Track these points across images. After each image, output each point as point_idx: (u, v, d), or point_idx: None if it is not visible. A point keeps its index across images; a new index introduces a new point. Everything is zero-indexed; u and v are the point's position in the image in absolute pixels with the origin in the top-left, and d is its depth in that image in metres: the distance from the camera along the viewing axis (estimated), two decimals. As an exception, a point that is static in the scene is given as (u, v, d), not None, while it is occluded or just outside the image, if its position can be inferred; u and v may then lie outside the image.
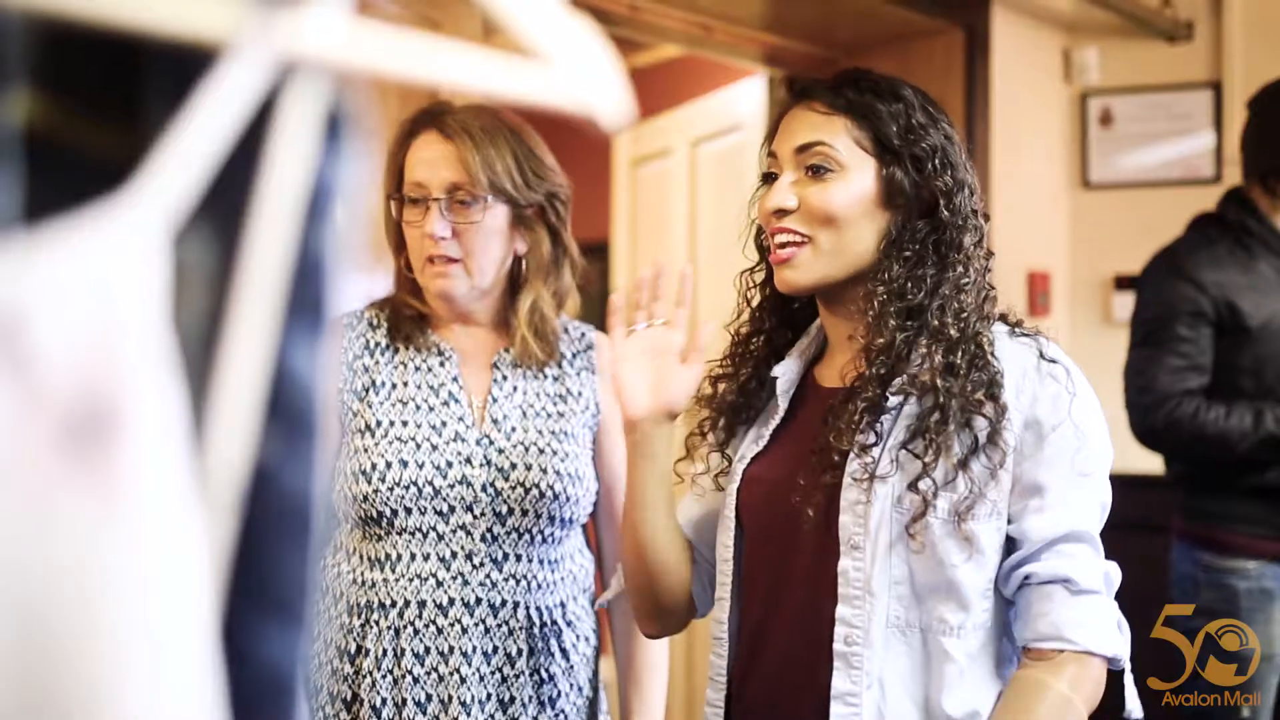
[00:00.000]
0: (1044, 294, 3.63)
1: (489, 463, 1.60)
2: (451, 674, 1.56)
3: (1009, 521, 1.30)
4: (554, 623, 1.64)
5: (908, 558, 1.28)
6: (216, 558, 0.39)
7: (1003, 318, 1.39)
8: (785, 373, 1.43)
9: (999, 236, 3.40)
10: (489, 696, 1.58)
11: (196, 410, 0.39)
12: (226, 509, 0.40)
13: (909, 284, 1.31)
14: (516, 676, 1.59)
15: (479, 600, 1.58)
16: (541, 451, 1.63)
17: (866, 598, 1.28)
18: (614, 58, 0.50)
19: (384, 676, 1.56)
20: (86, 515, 0.35)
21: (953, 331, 1.30)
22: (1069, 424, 1.29)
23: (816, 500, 1.31)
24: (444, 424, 1.61)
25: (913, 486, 1.26)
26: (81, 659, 0.35)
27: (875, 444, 1.30)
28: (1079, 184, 3.73)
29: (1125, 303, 3.64)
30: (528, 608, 1.61)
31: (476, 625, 1.58)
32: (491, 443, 1.62)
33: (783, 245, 1.35)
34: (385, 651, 1.57)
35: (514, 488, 1.60)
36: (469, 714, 1.55)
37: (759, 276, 1.49)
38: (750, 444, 1.44)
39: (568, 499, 1.63)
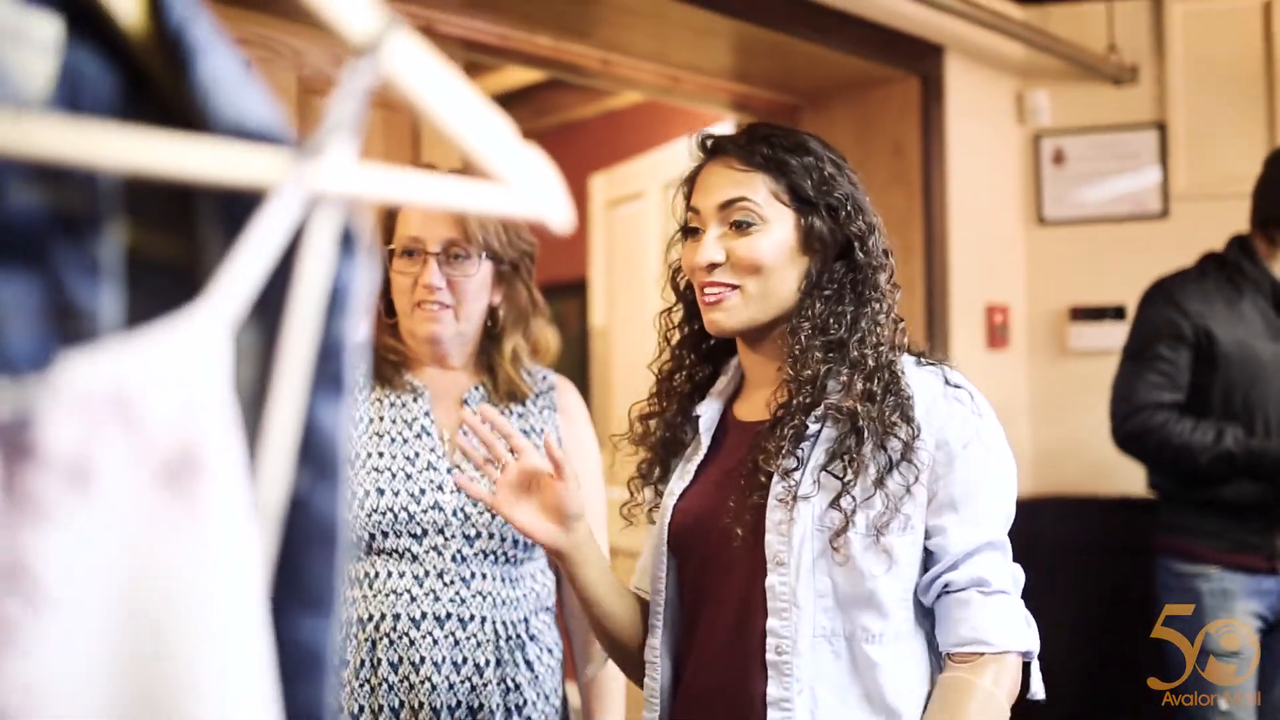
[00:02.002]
0: (1003, 326, 3.79)
1: (459, 490, 1.74)
2: (422, 682, 1.69)
3: (926, 536, 1.40)
4: (519, 636, 1.78)
5: (830, 571, 1.37)
6: (265, 564, 0.53)
7: (908, 349, 1.49)
8: (707, 411, 1.54)
9: (958, 271, 3.58)
10: (458, 704, 1.70)
11: (250, 453, 0.54)
12: (272, 526, 0.54)
13: (831, 320, 1.42)
14: (484, 685, 1.72)
15: (449, 615, 1.72)
16: None
17: (794, 610, 1.37)
18: (552, 173, 0.64)
19: (361, 685, 1.69)
20: (181, 534, 0.49)
21: (870, 361, 1.40)
22: (977, 443, 1.40)
23: (745, 521, 1.41)
24: (417, 455, 1.76)
25: (834, 504, 1.36)
26: (181, 633, 0.49)
27: (797, 468, 1.39)
28: (1034, 220, 3.90)
29: (1081, 333, 3.81)
30: (494, 622, 1.75)
31: (446, 637, 1.71)
32: (462, 471, 1.76)
33: (713, 292, 1.45)
34: (363, 662, 1.70)
35: (482, 513, 1.75)
36: (439, 718, 1.68)
37: (677, 316, 1.60)
38: (677, 480, 1.54)
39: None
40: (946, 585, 1.39)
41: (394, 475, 1.74)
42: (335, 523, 0.55)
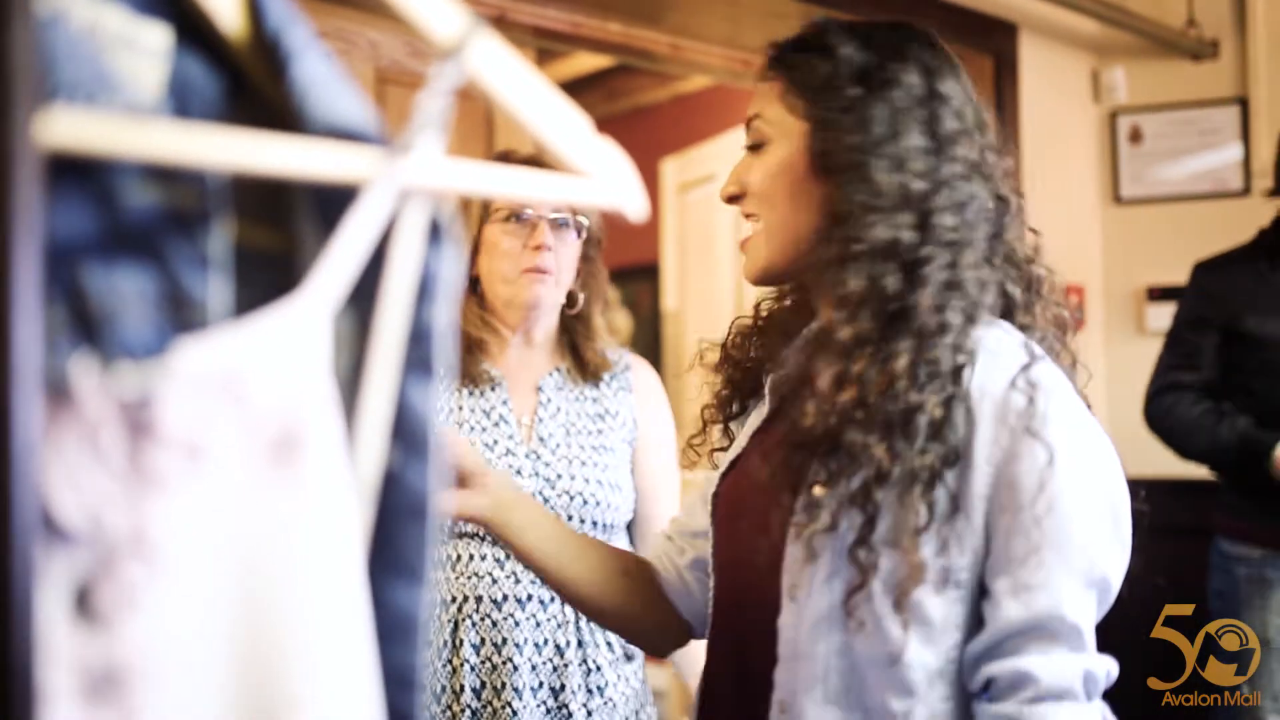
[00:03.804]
0: (1079, 307, 3.76)
1: (537, 474, 1.78)
2: (505, 662, 1.72)
3: (982, 593, 1.06)
4: None
5: (846, 626, 1.06)
6: (363, 534, 0.57)
7: (1023, 328, 1.14)
8: (776, 371, 1.27)
9: (1032, 252, 3.55)
10: (541, 684, 1.73)
11: (348, 431, 0.58)
12: (368, 499, 0.58)
13: (882, 280, 1.06)
14: (566, 665, 1.75)
15: (530, 596, 1.75)
16: (584, 464, 1.81)
17: (796, 661, 1.09)
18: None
19: (444, 665, 1.72)
20: (286, 505, 0.53)
21: (928, 361, 1.05)
22: (1046, 496, 1.02)
23: (768, 536, 1.13)
24: (496, 442, 1.80)
25: (852, 551, 1.05)
26: (286, 597, 0.53)
27: (824, 495, 1.07)
28: (1111, 199, 3.85)
29: (1159, 313, 3.75)
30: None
31: (528, 619, 1.74)
32: (539, 457, 1.80)
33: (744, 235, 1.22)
34: (445, 642, 1.73)
35: (560, 495, 1.78)
36: (520, 699, 1.71)
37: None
38: (739, 441, 1.29)
39: (608, 505, 1.81)
40: (990, 680, 1.04)
41: None
42: (426, 496, 0.59)
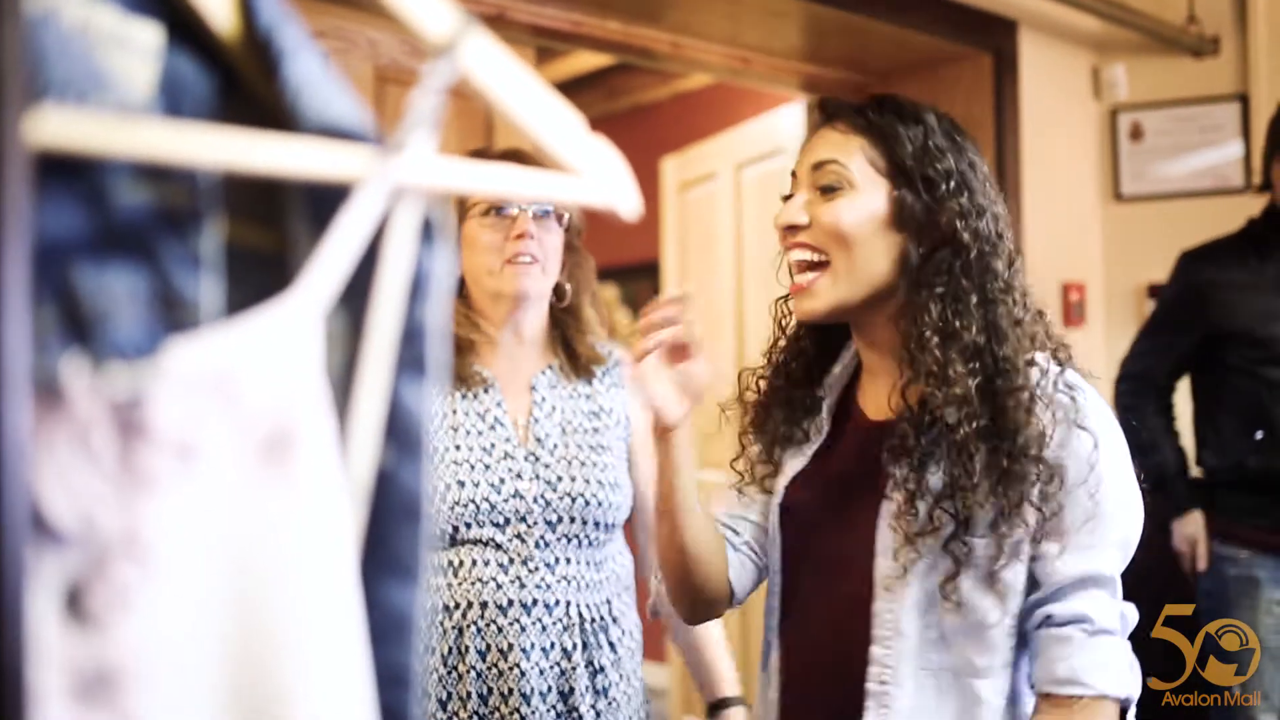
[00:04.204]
0: (1079, 304, 3.75)
1: (538, 477, 1.76)
2: (511, 668, 1.70)
3: (1030, 558, 1.30)
4: (602, 618, 1.80)
5: (940, 605, 1.29)
6: (356, 533, 0.57)
7: (1054, 353, 1.36)
8: (829, 395, 1.46)
9: (1033, 249, 3.55)
10: (549, 689, 1.72)
11: (340, 431, 0.57)
12: (361, 499, 0.58)
13: (956, 321, 1.29)
14: (573, 669, 1.74)
15: (535, 601, 1.73)
16: (583, 464, 1.79)
17: (898, 639, 1.30)
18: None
19: (449, 673, 1.71)
20: (278, 505, 0.53)
21: (1006, 379, 1.28)
22: (1095, 476, 1.28)
23: (857, 536, 1.34)
24: (493, 445, 1.77)
25: (946, 548, 1.28)
26: (279, 598, 0.53)
27: (914, 496, 1.29)
28: (1111, 197, 3.85)
29: (1159, 311, 3.76)
30: (578, 606, 1.77)
31: (534, 623, 1.72)
32: (538, 459, 1.78)
33: (800, 270, 1.36)
34: (450, 649, 1.71)
35: (562, 498, 1.76)
36: (529, 704, 1.70)
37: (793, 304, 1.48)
38: (793, 458, 1.47)
39: (610, 505, 1.79)
40: (1048, 617, 1.29)
41: (473, 467, 1.75)
42: (420, 496, 0.59)
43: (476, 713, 1.70)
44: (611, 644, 1.80)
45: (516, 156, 1.77)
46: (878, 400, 1.41)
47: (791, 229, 1.36)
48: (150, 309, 0.54)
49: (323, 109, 0.61)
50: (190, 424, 0.51)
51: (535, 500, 1.76)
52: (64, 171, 0.53)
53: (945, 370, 1.28)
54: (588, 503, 1.78)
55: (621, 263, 6.04)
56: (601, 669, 1.78)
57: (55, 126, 0.51)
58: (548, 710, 1.72)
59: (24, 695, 0.45)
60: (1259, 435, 2.70)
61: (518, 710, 1.69)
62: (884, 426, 1.37)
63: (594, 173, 0.65)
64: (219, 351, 0.53)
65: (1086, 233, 3.84)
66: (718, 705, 1.90)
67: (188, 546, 0.51)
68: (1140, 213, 3.83)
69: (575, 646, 1.76)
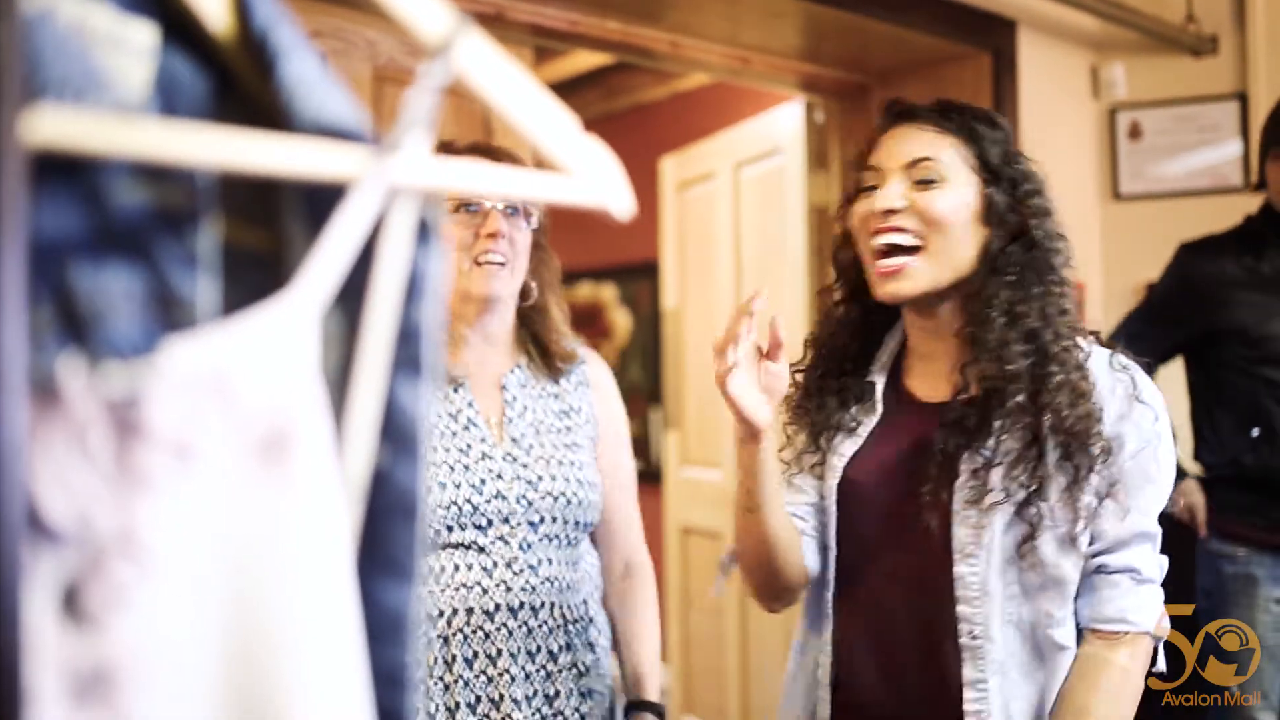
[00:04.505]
0: (1079, 303, 3.75)
1: (518, 477, 1.72)
2: (501, 674, 1.66)
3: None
4: (582, 618, 1.77)
5: (1019, 564, 1.44)
6: (352, 533, 0.57)
7: (1098, 338, 1.53)
8: (879, 379, 1.58)
9: (1031, 249, 3.55)
10: (535, 692, 1.70)
11: (337, 431, 0.58)
12: (357, 498, 0.58)
13: (1020, 307, 1.44)
14: (559, 671, 1.72)
15: (521, 604, 1.69)
16: (560, 463, 1.77)
17: (985, 598, 1.45)
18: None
19: (436, 683, 1.65)
20: (274, 504, 0.53)
21: (1057, 360, 1.43)
22: (1148, 450, 1.46)
23: (927, 506, 1.46)
24: (469, 446, 1.73)
25: (1019, 513, 1.43)
26: (276, 597, 0.53)
27: (986, 465, 1.44)
28: (1110, 196, 3.85)
29: (1158, 309, 3.76)
30: (561, 607, 1.74)
31: (520, 627, 1.69)
32: (515, 459, 1.74)
33: (884, 255, 1.47)
34: (436, 659, 1.66)
35: (544, 497, 1.74)
36: (520, 710, 1.67)
37: (839, 293, 1.63)
38: (845, 440, 1.57)
39: (588, 504, 1.78)
40: (1101, 566, 1.47)
41: (452, 469, 1.71)
42: (415, 495, 0.59)
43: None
44: (591, 644, 1.78)
45: (484, 151, 1.74)
46: (930, 381, 1.56)
47: (890, 213, 1.47)
48: (147, 308, 0.54)
49: (318, 109, 0.61)
50: (187, 424, 0.52)
51: (518, 501, 1.72)
52: (61, 171, 0.53)
53: (1006, 349, 1.43)
54: (569, 502, 1.76)
55: (620, 262, 6.05)
56: (585, 670, 1.76)
57: (52, 126, 0.51)
58: (533, 714, 1.69)
59: (20, 695, 0.45)
60: (1255, 433, 2.70)
61: (509, 716, 1.66)
62: (942, 405, 1.51)
63: (588, 172, 0.65)
64: (216, 351, 0.53)
65: (1085, 231, 3.84)
66: (640, 706, 1.88)
67: (184, 546, 0.52)
68: (1139, 211, 3.83)
69: (560, 649, 1.73)
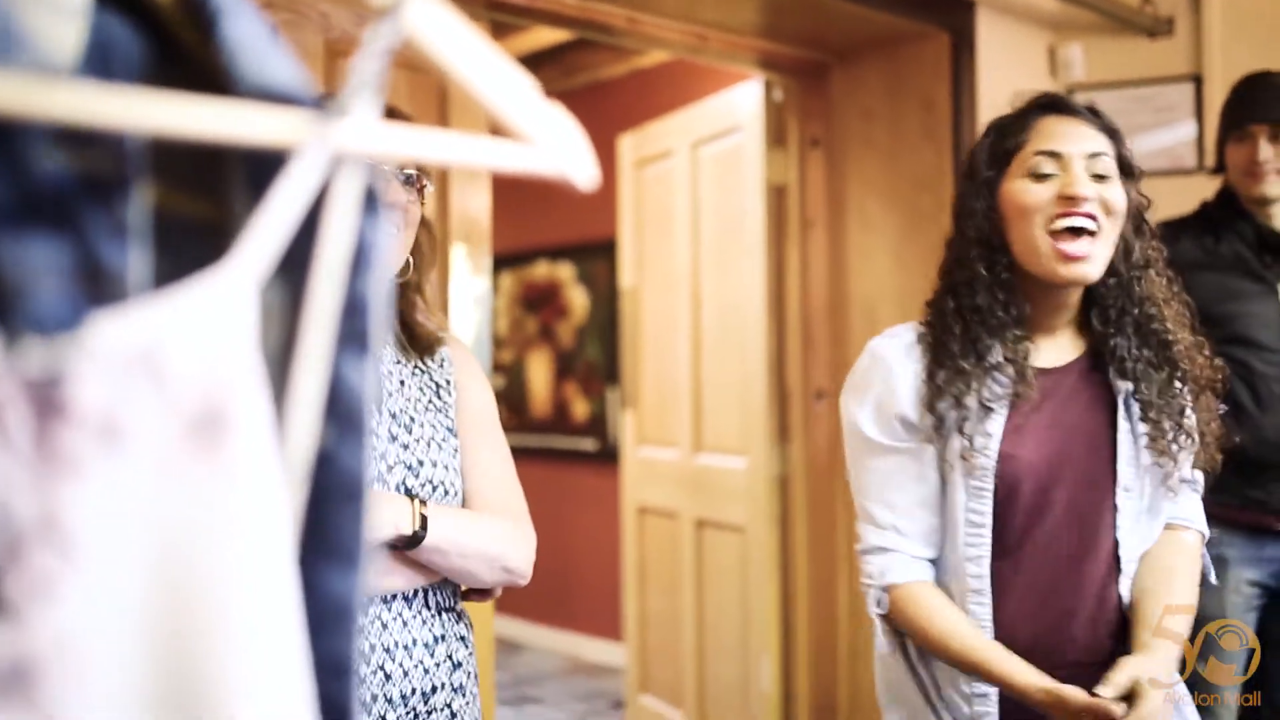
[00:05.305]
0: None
1: (401, 462, 1.58)
2: (376, 671, 1.54)
3: None
4: (455, 609, 1.66)
5: (1149, 494, 1.73)
6: (294, 517, 0.55)
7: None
8: (1008, 356, 1.68)
9: (989, 229, 3.55)
10: (413, 690, 1.57)
11: (277, 410, 0.55)
12: (299, 481, 0.55)
13: (1132, 283, 1.69)
14: (436, 665, 1.61)
15: (395, 595, 1.57)
16: (440, 448, 1.63)
17: (1135, 526, 1.71)
18: (558, 113, 0.65)
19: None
20: (209, 489, 0.50)
21: (1176, 340, 1.71)
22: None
23: (1095, 461, 1.69)
24: None
25: (1156, 443, 1.69)
26: (211, 586, 0.50)
27: (1145, 410, 1.69)
28: (1067, 176, 3.86)
29: (1113, 290, 3.77)
30: (436, 592, 1.62)
31: (395, 619, 1.57)
32: (395, 439, 1.60)
33: (1069, 239, 1.62)
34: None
35: (423, 486, 1.59)
36: (394, 710, 1.55)
37: (979, 265, 1.69)
38: (990, 420, 1.67)
39: (460, 495, 1.64)
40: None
41: None
42: (361, 478, 0.56)
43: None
44: (462, 638, 1.68)
45: (390, 114, 1.55)
46: (1053, 352, 1.72)
47: (1080, 199, 1.62)
48: (72, 281, 0.51)
49: (260, 71, 0.58)
50: (114, 403, 0.49)
51: (396, 489, 1.57)
52: (-22, 134, 0.49)
53: (1121, 323, 1.69)
54: (447, 492, 1.62)
55: (577, 241, 6.01)
56: (457, 665, 1.65)
57: (-33, 85, 0.48)
58: (408, 713, 1.57)
59: (-67, 692, 0.42)
60: (1221, 411, 2.71)
61: (383, 717, 1.54)
62: (1069, 369, 1.72)
63: (548, 140, 0.62)
64: (146, 326, 0.50)
65: (1042, 212, 3.85)
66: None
67: (112, 533, 0.49)
68: (1095, 193, 3.84)
69: (437, 639, 1.62)
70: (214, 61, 0.59)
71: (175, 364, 0.50)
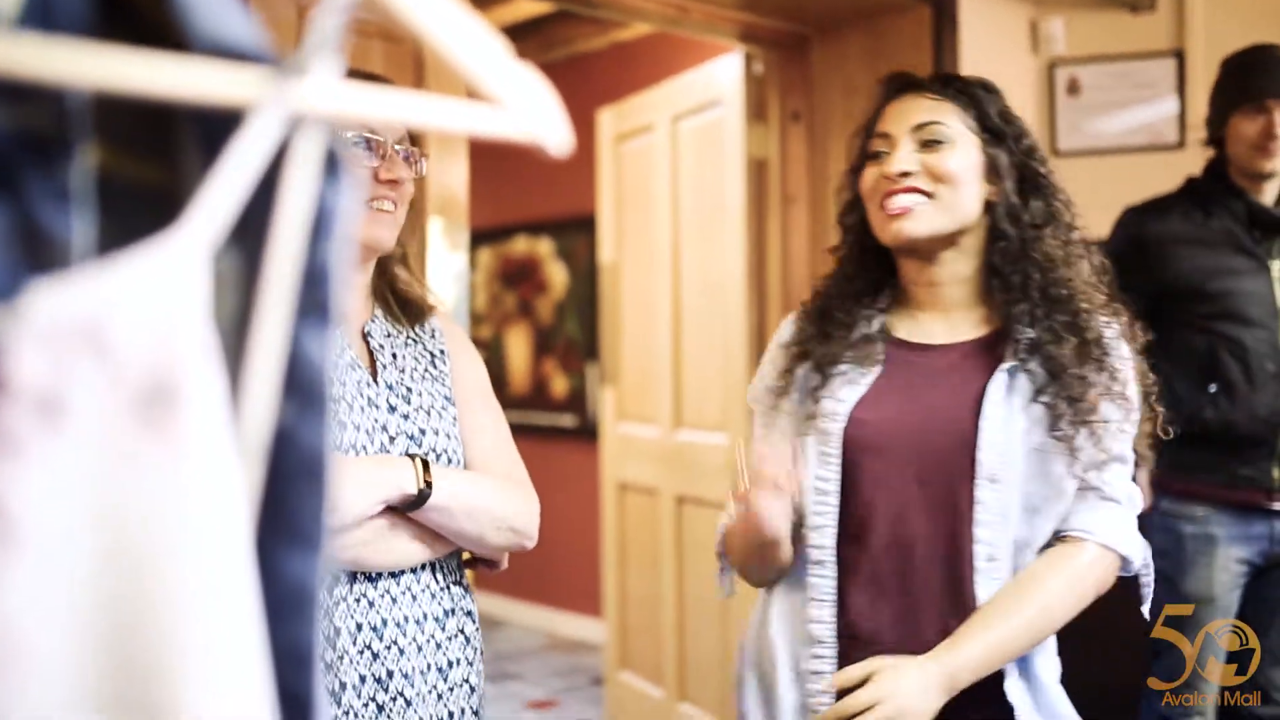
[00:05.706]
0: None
1: (402, 433, 1.58)
2: (388, 647, 1.53)
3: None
4: (459, 575, 1.65)
5: (1028, 489, 1.56)
6: (251, 497, 0.52)
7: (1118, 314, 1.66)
8: (875, 329, 1.68)
9: (970, 205, 3.53)
10: (429, 666, 1.56)
11: (233, 385, 0.52)
12: (257, 460, 0.52)
13: (1037, 252, 1.60)
14: (449, 639, 1.60)
15: (424, 565, 1.57)
16: (440, 416, 1.63)
17: (1003, 521, 1.55)
18: (547, 85, 0.62)
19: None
20: (158, 468, 0.47)
21: (1077, 305, 1.59)
22: (1127, 380, 1.60)
23: (955, 435, 1.57)
24: (353, 398, 1.56)
25: (1051, 432, 1.54)
26: (161, 572, 0.47)
27: (1010, 393, 1.56)
28: (1048, 151, 3.82)
29: (1094, 266, 3.76)
30: (442, 565, 1.61)
31: (404, 593, 1.55)
32: (395, 409, 1.59)
33: (901, 203, 1.60)
34: (337, 630, 1.50)
35: (426, 455, 1.58)
36: (412, 685, 1.54)
37: (842, 252, 1.76)
38: (845, 388, 1.65)
39: (461, 462, 1.63)
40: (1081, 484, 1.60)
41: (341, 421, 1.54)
42: (322, 455, 0.53)
43: (373, 698, 1.52)
44: (469, 612, 1.66)
45: (359, 76, 1.52)
46: (925, 329, 1.68)
47: (903, 175, 1.60)
48: (8, 247, 0.48)
49: (214, 26, 0.55)
50: (56, 377, 0.46)
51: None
52: (-93, 89, 0.46)
53: (1026, 290, 1.59)
54: (451, 460, 1.61)
55: (557, 216, 5.96)
56: (465, 634, 1.64)
57: (-107, 35, 0.44)
58: (429, 690, 1.56)
59: None
60: (1213, 388, 2.70)
61: (402, 694, 1.53)
62: (953, 348, 1.65)
63: (520, 104, 0.59)
64: (90, 295, 0.47)
65: (1023, 188, 3.83)
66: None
67: (55, 516, 0.46)
68: (1076, 167, 3.82)
69: (447, 613, 1.60)
70: (165, 15, 0.55)
71: (121, 335, 0.47)
